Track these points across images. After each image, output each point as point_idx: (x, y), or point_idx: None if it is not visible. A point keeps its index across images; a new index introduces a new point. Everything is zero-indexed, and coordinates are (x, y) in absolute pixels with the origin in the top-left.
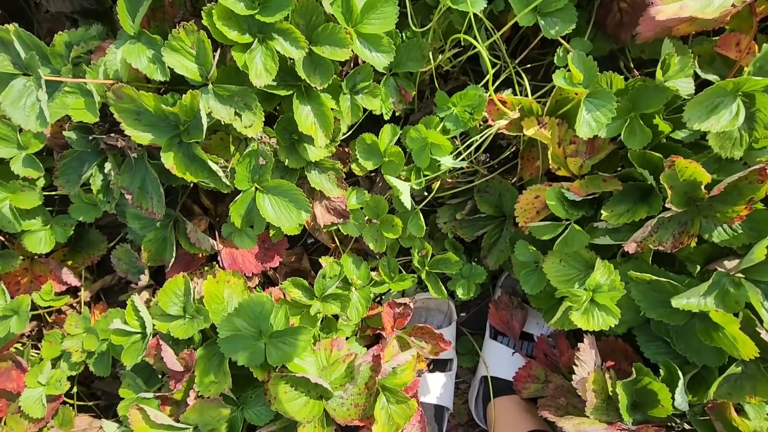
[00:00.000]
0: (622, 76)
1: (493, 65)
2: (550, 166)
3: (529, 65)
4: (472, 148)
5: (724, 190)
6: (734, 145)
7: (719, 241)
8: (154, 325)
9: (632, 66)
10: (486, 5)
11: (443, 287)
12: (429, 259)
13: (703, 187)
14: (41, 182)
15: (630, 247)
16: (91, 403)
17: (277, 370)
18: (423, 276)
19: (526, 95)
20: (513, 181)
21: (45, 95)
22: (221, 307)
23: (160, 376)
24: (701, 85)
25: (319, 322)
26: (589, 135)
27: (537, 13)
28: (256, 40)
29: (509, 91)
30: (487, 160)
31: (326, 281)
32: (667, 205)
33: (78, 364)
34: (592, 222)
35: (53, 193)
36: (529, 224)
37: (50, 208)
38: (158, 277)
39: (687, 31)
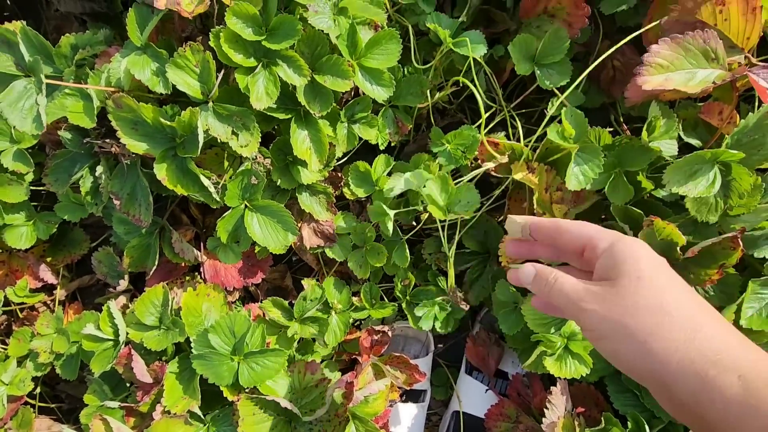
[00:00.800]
0: (609, 132)
1: (489, 107)
2: (535, 211)
3: (523, 110)
4: (462, 185)
5: (698, 254)
6: (710, 210)
7: None
8: (127, 334)
9: (621, 120)
10: (486, 51)
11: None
12: (411, 289)
13: (678, 248)
14: (29, 177)
15: None
16: (53, 405)
17: (247, 391)
18: (404, 305)
19: (519, 139)
20: (499, 219)
21: (44, 99)
22: (198, 320)
23: (128, 385)
24: (684, 146)
25: (296, 342)
26: (577, 188)
27: (534, 63)
28: (260, 64)
29: (502, 133)
30: None
31: (306, 303)
32: None
33: (45, 365)
34: None
35: (40, 188)
36: (512, 265)
37: (35, 203)
38: (137, 282)
39: (673, 97)
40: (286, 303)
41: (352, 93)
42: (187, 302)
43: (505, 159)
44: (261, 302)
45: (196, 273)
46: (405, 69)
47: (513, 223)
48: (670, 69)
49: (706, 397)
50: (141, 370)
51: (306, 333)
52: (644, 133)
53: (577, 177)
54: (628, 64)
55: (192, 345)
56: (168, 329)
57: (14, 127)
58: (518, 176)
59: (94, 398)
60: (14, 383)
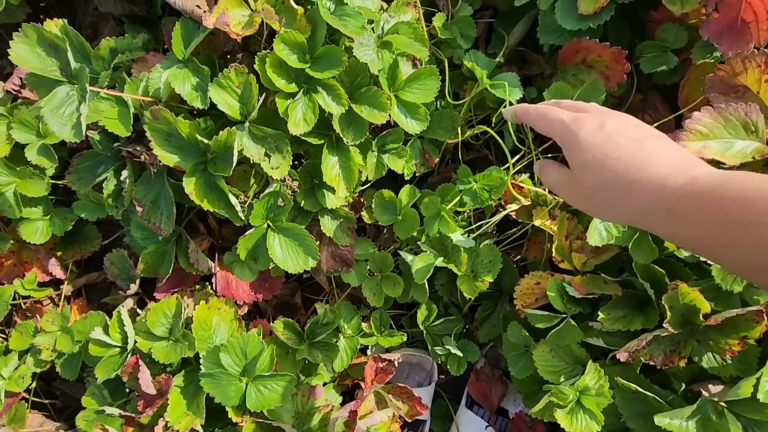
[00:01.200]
0: None
1: (517, 149)
2: (554, 258)
3: (550, 154)
4: (483, 228)
5: (721, 323)
6: (735, 280)
7: (708, 367)
8: (135, 342)
9: None
10: (521, 95)
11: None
12: (432, 319)
13: (701, 314)
14: (50, 171)
15: (622, 355)
16: (47, 401)
17: (252, 414)
18: (425, 335)
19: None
20: (516, 258)
21: (86, 108)
22: (207, 334)
23: (127, 391)
24: None
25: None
26: (599, 243)
27: None
28: (301, 90)
29: (527, 176)
30: (494, 232)
31: (318, 328)
32: (664, 325)
33: (46, 362)
34: (587, 320)
35: (60, 182)
36: (527, 309)
37: (52, 197)
38: (145, 285)
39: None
40: (297, 325)
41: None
42: (198, 316)
43: (528, 202)
44: (270, 318)
45: (207, 283)
46: (438, 102)
47: (506, 111)
48: (709, 137)
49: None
50: (146, 382)
51: (315, 357)
52: None
53: (600, 233)
54: (659, 119)
55: (201, 361)
56: (177, 341)
57: (54, 133)
58: (538, 222)
59: (92, 401)
60: (13, 378)
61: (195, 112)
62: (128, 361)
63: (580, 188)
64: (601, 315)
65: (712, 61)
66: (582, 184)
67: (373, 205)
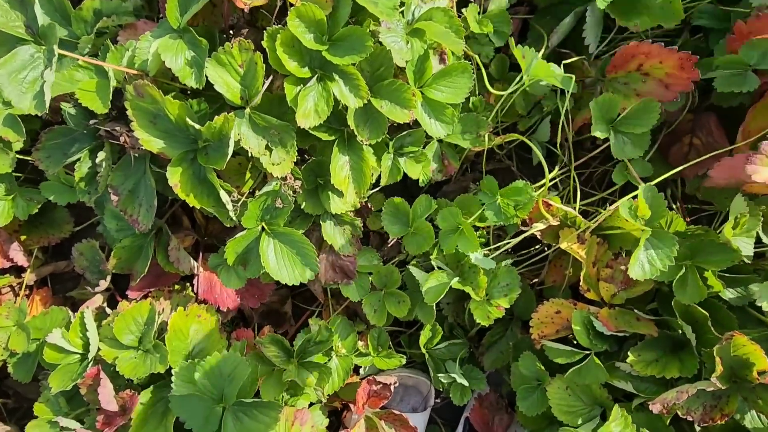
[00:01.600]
0: (683, 220)
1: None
2: (580, 286)
3: (582, 170)
4: (506, 248)
5: None
6: None
7: (751, 427)
8: (99, 350)
9: (679, 198)
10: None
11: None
12: (436, 342)
13: (756, 370)
14: (18, 146)
15: (656, 407)
16: None
17: None
18: (427, 358)
19: (572, 200)
20: (533, 281)
21: (52, 75)
22: (183, 344)
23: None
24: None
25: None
26: (641, 278)
27: (611, 127)
28: (315, 77)
29: (556, 194)
30: (509, 251)
31: (309, 346)
32: (712, 379)
33: None
34: (613, 359)
35: (28, 158)
36: (545, 341)
37: (19, 174)
38: (120, 280)
39: (759, 191)
40: (286, 342)
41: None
42: (174, 324)
43: (555, 222)
44: (255, 326)
45: (188, 284)
46: (469, 101)
47: None
48: None
49: None
50: (107, 397)
51: (304, 380)
52: (728, 230)
53: (643, 265)
54: (711, 144)
55: (173, 379)
56: (147, 352)
57: (10, 101)
58: (566, 245)
59: (46, 409)
60: None
61: (188, 91)
62: (88, 371)
63: None
64: (631, 357)
65: None
66: None
67: (382, 213)
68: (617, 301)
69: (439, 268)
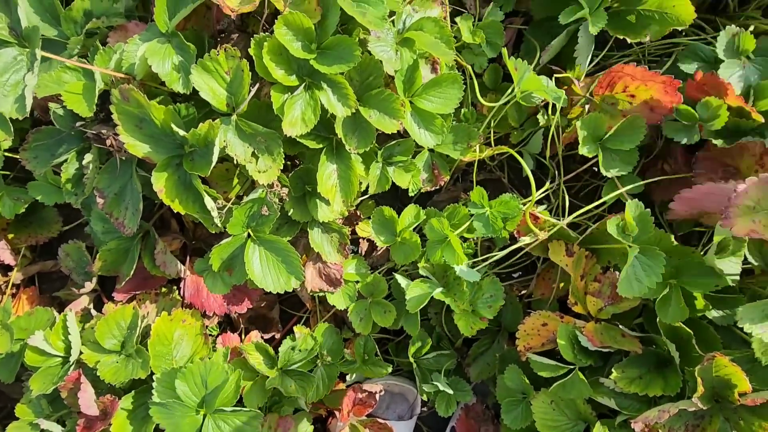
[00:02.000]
0: (672, 236)
1: (536, 175)
2: (568, 300)
3: (571, 183)
4: (492, 260)
5: (760, 405)
6: None
7: None
8: (81, 353)
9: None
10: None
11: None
12: (424, 352)
13: (737, 392)
14: (6, 144)
15: (638, 425)
16: None
17: None
18: (415, 368)
19: (562, 212)
20: (521, 293)
21: (34, 79)
22: (167, 349)
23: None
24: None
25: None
26: (630, 295)
27: (599, 145)
28: (303, 85)
29: (544, 207)
30: (497, 263)
31: (294, 354)
32: (693, 399)
33: None
34: (598, 374)
35: (17, 156)
36: (530, 354)
37: (6, 173)
38: (106, 281)
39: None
40: (270, 349)
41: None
42: (158, 329)
43: (544, 236)
44: (242, 331)
45: (175, 287)
46: (460, 112)
47: None
48: (756, 210)
49: None
50: (87, 402)
51: (287, 388)
52: (711, 256)
53: (631, 283)
54: (677, 171)
55: (154, 385)
56: (129, 357)
57: None
58: (555, 258)
59: (27, 411)
60: None
61: (178, 95)
62: (69, 375)
63: None
64: (615, 373)
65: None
66: None
67: (371, 222)
68: (604, 316)
69: (425, 277)
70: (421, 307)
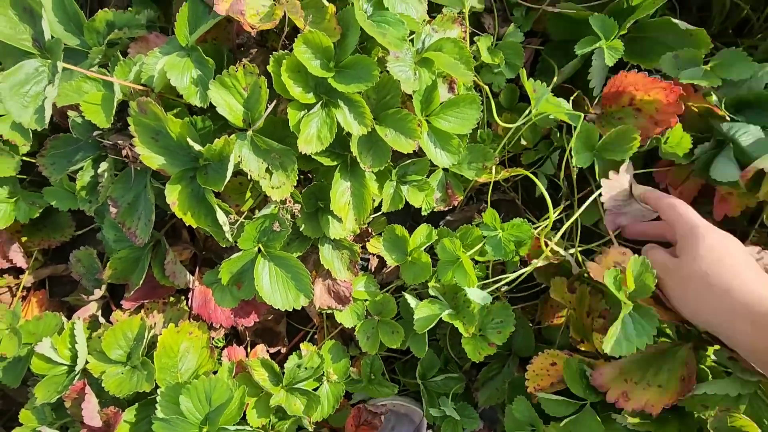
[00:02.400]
0: None
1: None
2: (571, 337)
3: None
4: (502, 284)
5: None
6: None
7: None
8: (86, 362)
9: None
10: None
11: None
12: (432, 374)
13: None
14: (24, 149)
15: None
16: None
17: None
18: (422, 391)
19: (574, 239)
20: (531, 318)
21: (54, 91)
22: (172, 362)
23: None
24: None
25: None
26: (617, 354)
27: (594, 155)
28: (319, 103)
29: (558, 236)
30: (509, 286)
31: (299, 372)
32: None
33: None
34: (611, 409)
35: (33, 160)
36: (540, 394)
37: (22, 176)
38: (116, 287)
39: None
40: (276, 366)
41: None
42: (164, 341)
43: (555, 260)
44: (248, 344)
45: (183, 297)
46: (477, 133)
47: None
48: None
49: None
50: (91, 413)
51: (291, 407)
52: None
53: (620, 341)
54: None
55: (158, 399)
56: (134, 368)
57: (11, 114)
58: (555, 295)
59: (32, 417)
60: None
61: (194, 108)
62: (74, 385)
63: (680, 276)
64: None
65: None
66: (684, 272)
67: (382, 239)
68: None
69: (435, 297)
70: (430, 328)
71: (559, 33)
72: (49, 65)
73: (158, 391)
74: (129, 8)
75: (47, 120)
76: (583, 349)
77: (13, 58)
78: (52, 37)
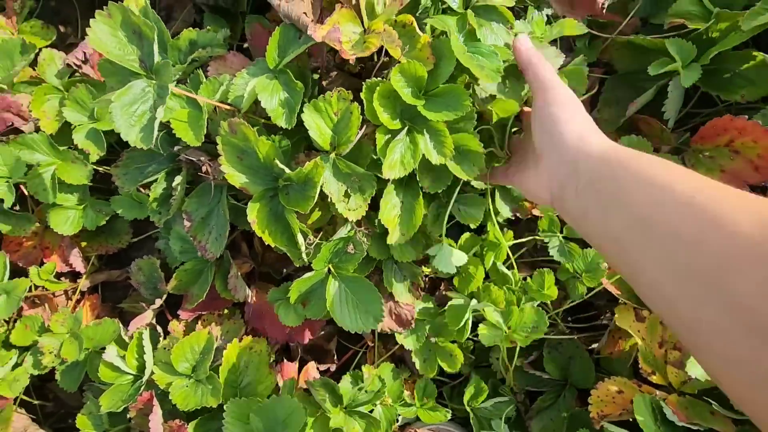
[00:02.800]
0: None
1: None
2: (641, 368)
3: None
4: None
5: None
6: None
7: None
8: (152, 373)
9: None
10: None
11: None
12: (482, 399)
13: None
14: (96, 157)
15: None
16: (36, 402)
17: None
18: (471, 417)
19: None
20: (593, 348)
21: (162, 112)
22: (235, 377)
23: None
24: None
25: None
26: (703, 377)
27: None
28: (404, 129)
29: None
30: (569, 318)
31: (360, 395)
32: None
33: (46, 367)
34: None
35: (101, 167)
36: (606, 423)
37: (90, 184)
38: (169, 296)
39: None
40: (337, 387)
41: None
42: (229, 357)
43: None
44: (300, 360)
45: (238, 310)
46: None
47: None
48: None
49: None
50: (157, 425)
51: (350, 429)
52: None
53: None
54: None
55: (225, 416)
56: (200, 382)
57: (120, 132)
58: (621, 323)
59: (87, 423)
60: (7, 380)
61: (273, 127)
62: (142, 395)
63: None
64: None
65: None
66: (541, 104)
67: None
68: (690, 390)
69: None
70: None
71: (626, 63)
72: (155, 86)
73: (224, 407)
74: (208, 28)
75: (154, 139)
76: (653, 380)
77: (118, 78)
78: (160, 60)
